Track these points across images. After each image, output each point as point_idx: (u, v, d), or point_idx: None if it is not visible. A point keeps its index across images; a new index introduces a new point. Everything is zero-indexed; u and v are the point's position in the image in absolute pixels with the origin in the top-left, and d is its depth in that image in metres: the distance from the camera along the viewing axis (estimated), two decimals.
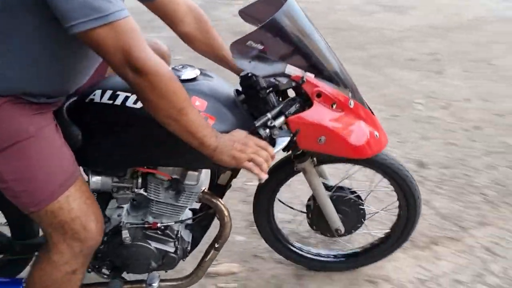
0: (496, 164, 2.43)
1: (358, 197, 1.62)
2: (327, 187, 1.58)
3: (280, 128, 1.22)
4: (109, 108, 1.20)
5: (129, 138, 1.23)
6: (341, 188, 1.61)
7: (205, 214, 1.47)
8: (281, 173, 1.55)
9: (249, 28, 1.20)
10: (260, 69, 1.20)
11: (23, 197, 1.08)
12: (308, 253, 1.76)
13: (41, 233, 1.40)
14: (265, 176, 1.14)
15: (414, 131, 2.78)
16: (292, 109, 1.23)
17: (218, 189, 1.44)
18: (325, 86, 1.24)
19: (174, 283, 1.52)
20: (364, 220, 1.64)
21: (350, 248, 1.81)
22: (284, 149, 1.27)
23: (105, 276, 1.45)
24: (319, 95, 1.23)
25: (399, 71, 3.66)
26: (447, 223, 2.00)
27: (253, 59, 1.17)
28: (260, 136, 1.17)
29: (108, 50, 0.94)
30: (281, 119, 1.21)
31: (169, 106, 1.00)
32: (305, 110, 1.24)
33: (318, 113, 1.24)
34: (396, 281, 1.72)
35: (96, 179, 1.30)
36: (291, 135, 1.22)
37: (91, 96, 1.22)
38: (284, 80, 1.23)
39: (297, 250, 1.74)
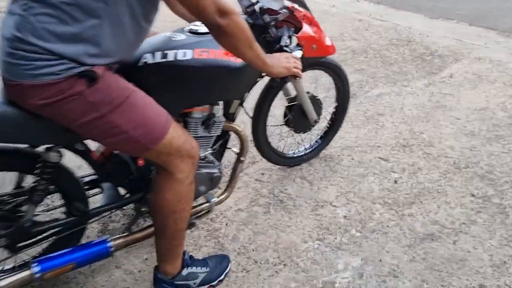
0: None
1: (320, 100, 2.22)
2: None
3: (297, 43, 1.76)
4: (164, 65, 1.43)
5: (182, 86, 1.48)
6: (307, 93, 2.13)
7: (223, 139, 1.82)
8: (275, 87, 2.02)
9: None
10: (272, 4, 1.68)
11: (143, 140, 1.31)
12: (293, 154, 2.38)
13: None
14: (302, 75, 1.68)
15: None
16: (292, 32, 1.75)
17: (230, 116, 1.79)
18: (303, 10, 1.84)
19: (222, 196, 1.91)
20: (320, 116, 2.24)
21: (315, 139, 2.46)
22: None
23: None
24: (303, 17, 1.81)
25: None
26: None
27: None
28: (286, 52, 1.63)
29: (206, 4, 1.21)
30: (294, 38, 1.74)
31: (246, 37, 1.33)
32: (298, 31, 1.79)
33: (308, 30, 1.83)
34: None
35: None
36: (300, 47, 1.74)
37: (143, 60, 1.44)
38: (278, 9, 1.70)
39: (289, 155, 2.36)
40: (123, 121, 1.27)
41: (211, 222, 2.05)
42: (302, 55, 1.72)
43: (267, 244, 1.93)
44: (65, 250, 1.51)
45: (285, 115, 2.19)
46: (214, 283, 1.68)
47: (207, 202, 1.83)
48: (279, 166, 2.39)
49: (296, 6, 1.81)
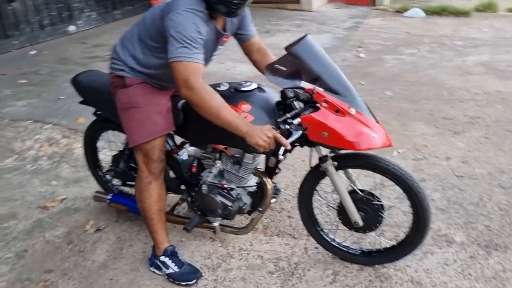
0: None
1: (381, 205, 1.96)
2: (354, 190, 1.96)
3: (298, 125, 1.74)
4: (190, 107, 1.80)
5: (204, 126, 1.78)
6: (370, 194, 1.96)
7: (259, 187, 2.05)
8: (313, 176, 2.00)
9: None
10: (283, 83, 1.80)
11: (128, 137, 1.99)
12: (338, 244, 2.13)
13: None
14: (261, 150, 1.71)
15: None
16: (306, 112, 1.76)
17: (268, 170, 2.02)
18: (330, 97, 1.74)
19: (229, 228, 2.21)
20: (380, 224, 1.99)
21: (374, 247, 2.16)
22: (300, 144, 1.85)
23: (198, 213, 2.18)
24: (325, 102, 1.73)
25: (422, 126, 3.62)
26: None
27: (279, 76, 1.79)
28: (280, 129, 1.72)
29: (178, 76, 1.68)
30: (297, 118, 1.75)
31: (210, 108, 1.68)
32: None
33: (323, 115, 1.72)
34: None
35: (191, 149, 2.07)
36: (303, 129, 1.73)
37: None
38: (301, 91, 1.79)
39: (330, 241, 2.13)
40: (123, 119, 1.98)
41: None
42: (304, 136, 1.74)
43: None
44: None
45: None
46: (177, 283, 2.03)
47: (211, 222, 2.17)
48: None
49: (319, 89, 1.75)
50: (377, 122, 1.78)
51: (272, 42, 6.35)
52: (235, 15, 1.78)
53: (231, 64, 5.05)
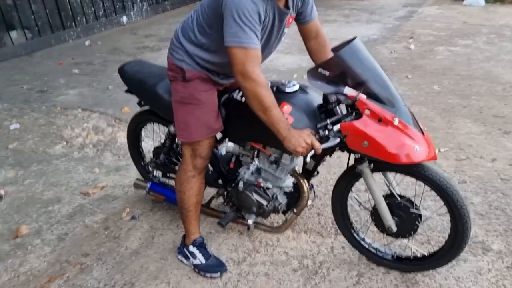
0: None
1: (419, 215, 1.87)
2: (392, 194, 1.90)
3: (338, 131, 1.70)
4: (238, 103, 1.92)
5: (245, 123, 1.88)
6: (408, 201, 1.88)
7: (295, 188, 2.06)
8: (348, 176, 1.96)
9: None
10: (325, 88, 1.73)
11: (179, 131, 1.96)
12: (369, 246, 2.09)
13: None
14: (298, 155, 1.74)
15: None
16: (348, 119, 1.70)
17: (306, 172, 2.03)
18: (374, 105, 1.66)
19: (263, 226, 2.26)
20: (414, 233, 1.91)
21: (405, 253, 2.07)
22: (340, 148, 1.81)
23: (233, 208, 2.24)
24: (368, 110, 1.65)
25: (469, 124, 3.44)
26: None
27: (321, 80, 1.72)
28: (319, 134, 1.70)
29: (235, 61, 1.62)
30: (337, 125, 1.70)
31: (260, 104, 1.64)
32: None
33: (364, 124, 1.65)
34: None
35: (230, 145, 2.07)
36: (342, 137, 1.68)
37: (232, 93, 1.99)
38: (343, 97, 1.71)
39: (360, 241, 2.10)
40: (178, 112, 1.95)
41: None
42: (343, 144, 1.71)
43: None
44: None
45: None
46: (202, 274, 2.09)
47: (245, 219, 2.20)
48: None
49: (362, 96, 1.67)
50: (423, 134, 1.69)
51: None
52: None
53: (274, 55, 5.01)
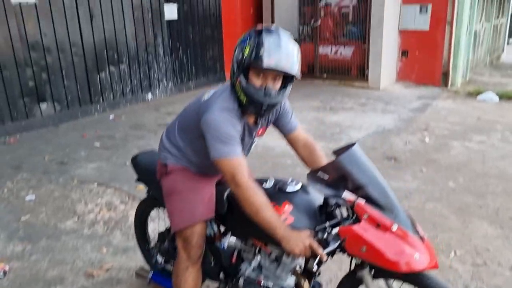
0: None
1: None
2: None
3: (337, 235, 1.67)
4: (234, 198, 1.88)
5: (246, 219, 1.79)
6: None
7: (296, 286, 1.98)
8: (349, 281, 1.89)
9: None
10: (325, 191, 1.76)
11: (171, 222, 2.06)
12: None
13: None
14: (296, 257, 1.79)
15: None
16: (346, 223, 1.71)
17: (307, 272, 1.96)
18: (372, 210, 1.66)
19: None
20: None
21: None
22: (342, 251, 1.72)
23: None
24: (366, 215, 1.65)
25: (485, 226, 3.37)
26: None
27: (322, 184, 1.76)
28: (317, 236, 1.69)
29: (224, 172, 1.77)
30: (336, 228, 1.69)
31: (251, 207, 1.72)
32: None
33: (363, 229, 1.64)
34: None
35: (232, 239, 2.08)
36: (340, 241, 1.66)
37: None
38: (342, 201, 1.73)
39: None
40: (166, 205, 2.08)
41: None
42: (341, 249, 1.69)
43: None
44: None
45: None
46: None
47: None
48: None
49: (360, 201, 1.68)
50: (423, 241, 1.66)
51: (335, 120, 6.42)
52: (264, 116, 1.89)
53: None
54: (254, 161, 4.76)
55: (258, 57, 1.68)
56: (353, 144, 1.79)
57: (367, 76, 8.69)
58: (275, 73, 1.74)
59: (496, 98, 7.58)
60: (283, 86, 1.81)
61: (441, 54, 8.57)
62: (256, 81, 1.75)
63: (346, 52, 8.93)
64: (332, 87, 8.75)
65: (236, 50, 1.79)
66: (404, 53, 8.93)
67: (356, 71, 8.90)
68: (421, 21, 8.54)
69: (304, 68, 9.35)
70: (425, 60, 8.72)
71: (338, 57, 9.02)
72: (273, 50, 1.68)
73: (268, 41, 1.69)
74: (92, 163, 4.72)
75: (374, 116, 6.72)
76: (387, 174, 4.41)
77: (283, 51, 1.69)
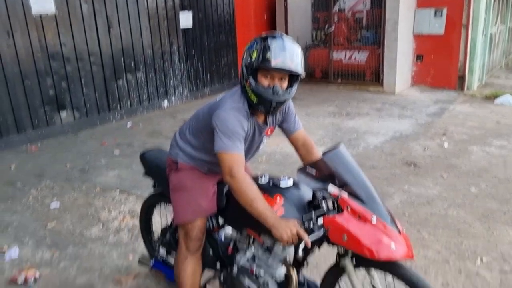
0: None
1: None
2: None
3: (321, 225, 1.82)
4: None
5: (242, 211, 1.91)
6: None
7: (286, 278, 2.07)
8: (333, 271, 1.99)
9: None
10: (313, 185, 1.96)
11: (174, 215, 2.23)
12: None
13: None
14: (284, 243, 1.81)
15: None
16: (330, 213, 1.85)
17: (296, 262, 2.08)
18: (354, 203, 1.80)
19: None
20: None
21: None
22: (321, 243, 1.89)
23: None
24: (349, 207, 1.79)
25: (510, 232, 3.34)
26: None
27: (310, 178, 1.95)
28: (304, 226, 1.82)
29: (223, 164, 1.90)
30: (321, 219, 1.84)
31: (245, 198, 1.86)
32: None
33: (345, 219, 1.78)
34: None
35: (228, 230, 2.23)
36: (324, 230, 1.81)
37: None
38: (328, 195, 1.89)
39: None
40: (172, 199, 2.22)
41: None
42: (325, 237, 1.82)
43: None
44: None
45: None
46: None
47: None
48: None
49: (344, 194, 1.82)
50: (400, 233, 1.78)
51: (352, 125, 6.41)
52: (273, 113, 2.02)
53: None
54: (273, 168, 4.78)
55: (265, 59, 1.85)
56: (339, 145, 1.96)
57: (382, 80, 8.67)
58: (282, 73, 1.89)
59: None
60: (290, 86, 1.96)
61: (456, 57, 8.52)
62: (265, 82, 1.90)
63: (360, 57, 8.92)
64: (347, 92, 8.74)
65: (245, 55, 1.96)
66: (419, 57, 8.89)
67: (371, 76, 8.89)
68: (436, 25, 8.50)
69: (318, 73, 9.37)
70: (441, 64, 8.67)
71: (353, 62, 9.01)
72: (279, 52, 1.85)
73: (273, 44, 1.87)
74: (113, 170, 4.78)
75: (390, 121, 6.69)
76: (408, 180, 4.40)
77: (288, 52, 1.86)
